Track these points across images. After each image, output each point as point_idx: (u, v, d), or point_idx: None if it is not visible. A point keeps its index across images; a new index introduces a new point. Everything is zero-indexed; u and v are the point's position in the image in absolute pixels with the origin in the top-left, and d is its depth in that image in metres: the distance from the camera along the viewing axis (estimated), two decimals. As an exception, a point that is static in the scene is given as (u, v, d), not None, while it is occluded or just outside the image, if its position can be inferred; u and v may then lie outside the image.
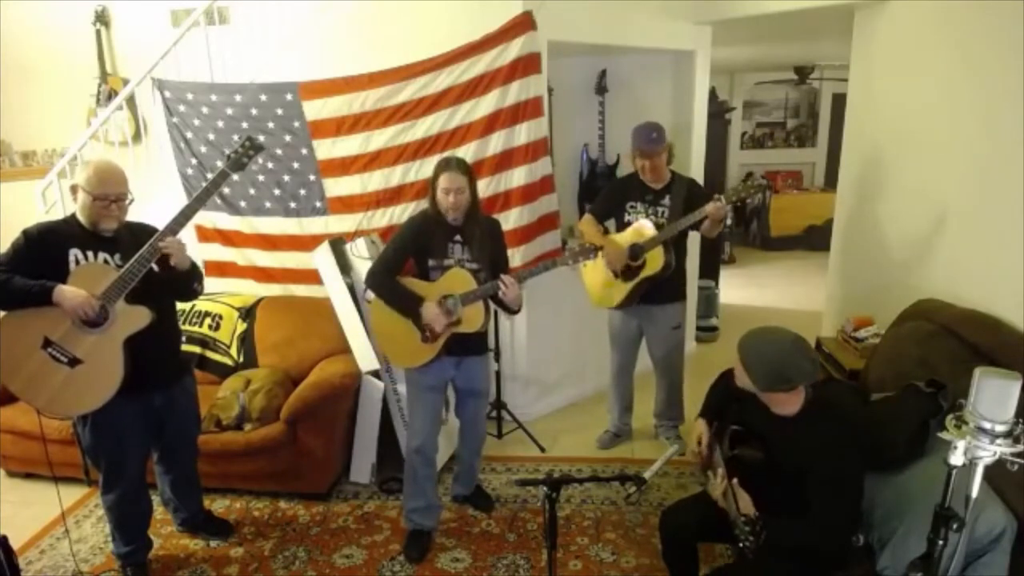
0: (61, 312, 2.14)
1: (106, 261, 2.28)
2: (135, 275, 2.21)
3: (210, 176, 2.45)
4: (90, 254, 2.27)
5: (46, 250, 2.21)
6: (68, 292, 2.13)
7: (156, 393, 2.45)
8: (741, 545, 1.79)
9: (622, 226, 3.16)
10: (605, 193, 3.39)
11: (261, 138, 2.99)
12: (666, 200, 3.06)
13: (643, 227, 3.02)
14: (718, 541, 2.22)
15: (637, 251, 3.00)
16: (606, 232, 3.19)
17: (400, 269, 2.62)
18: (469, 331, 2.58)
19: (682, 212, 2.95)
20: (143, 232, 2.33)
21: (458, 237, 2.59)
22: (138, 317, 2.24)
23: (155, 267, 2.28)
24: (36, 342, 2.16)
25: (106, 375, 2.20)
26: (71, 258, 2.23)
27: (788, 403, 1.92)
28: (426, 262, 2.60)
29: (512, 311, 2.65)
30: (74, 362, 2.18)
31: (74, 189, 2.27)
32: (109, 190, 2.23)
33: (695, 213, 2.86)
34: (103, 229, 2.28)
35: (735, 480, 1.89)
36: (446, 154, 3.13)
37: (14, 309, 2.17)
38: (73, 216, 2.31)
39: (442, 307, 2.52)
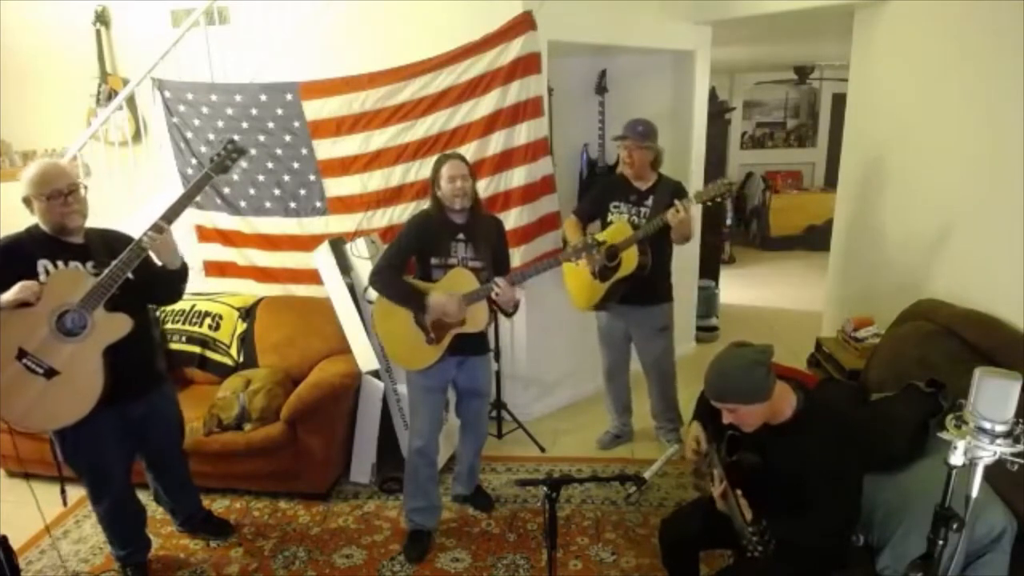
0: (35, 320, 2.05)
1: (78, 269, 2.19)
2: (115, 280, 2.12)
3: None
4: (60, 263, 2.17)
5: (12, 265, 2.10)
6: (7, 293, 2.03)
7: (133, 403, 2.36)
8: (750, 555, 1.77)
9: (605, 227, 3.14)
10: (590, 194, 3.36)
11: (261, 138, 2.99)
12: (649, 201, 3.05)
13: (621, 227, 3.02)
14: (719, 547, 2.20)
15: (613, 252, 2.98)
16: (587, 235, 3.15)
17: (404, 269, 2.61)
18: (473, 331, 2.58)
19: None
20: (117, 240, 2.27)
21: (461, 236, 2.59)
22: (119, 325, 2.15)
23: (130, 276, 2.18)
24: (10, 353, 2.06)
25: (85, 386, 2.11)
26: (40, 270, 2.14)
27: (775, 412, 1.85)
28: (429, 261, 2.59)
29: (507, 313, 2.64)
30: (51, 373, 2.08)
31: (27, 201, 2.16)
32: (58, 184, 2.12)
33: (658, 218, 2.85)
34: (72, 231, 2.19)
35: (738, 491, 1.86)
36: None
37: None
38: (36, 227, 2.21)
39: (454, 296, 2.49)
